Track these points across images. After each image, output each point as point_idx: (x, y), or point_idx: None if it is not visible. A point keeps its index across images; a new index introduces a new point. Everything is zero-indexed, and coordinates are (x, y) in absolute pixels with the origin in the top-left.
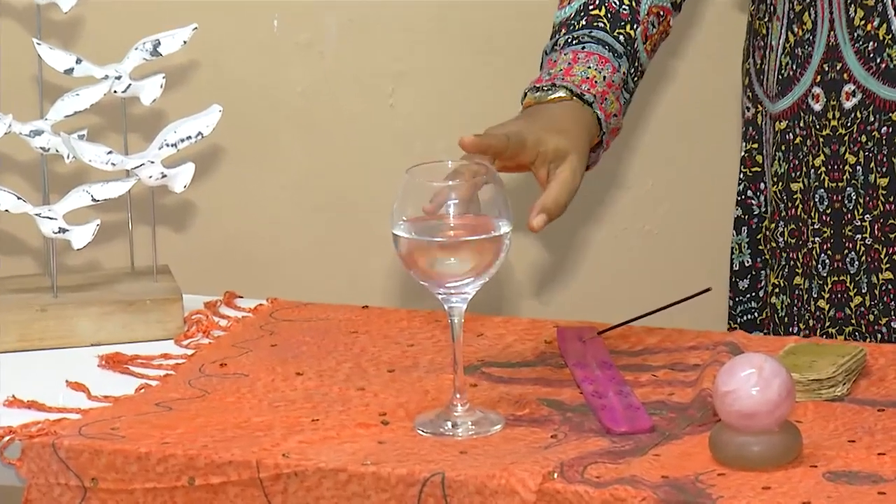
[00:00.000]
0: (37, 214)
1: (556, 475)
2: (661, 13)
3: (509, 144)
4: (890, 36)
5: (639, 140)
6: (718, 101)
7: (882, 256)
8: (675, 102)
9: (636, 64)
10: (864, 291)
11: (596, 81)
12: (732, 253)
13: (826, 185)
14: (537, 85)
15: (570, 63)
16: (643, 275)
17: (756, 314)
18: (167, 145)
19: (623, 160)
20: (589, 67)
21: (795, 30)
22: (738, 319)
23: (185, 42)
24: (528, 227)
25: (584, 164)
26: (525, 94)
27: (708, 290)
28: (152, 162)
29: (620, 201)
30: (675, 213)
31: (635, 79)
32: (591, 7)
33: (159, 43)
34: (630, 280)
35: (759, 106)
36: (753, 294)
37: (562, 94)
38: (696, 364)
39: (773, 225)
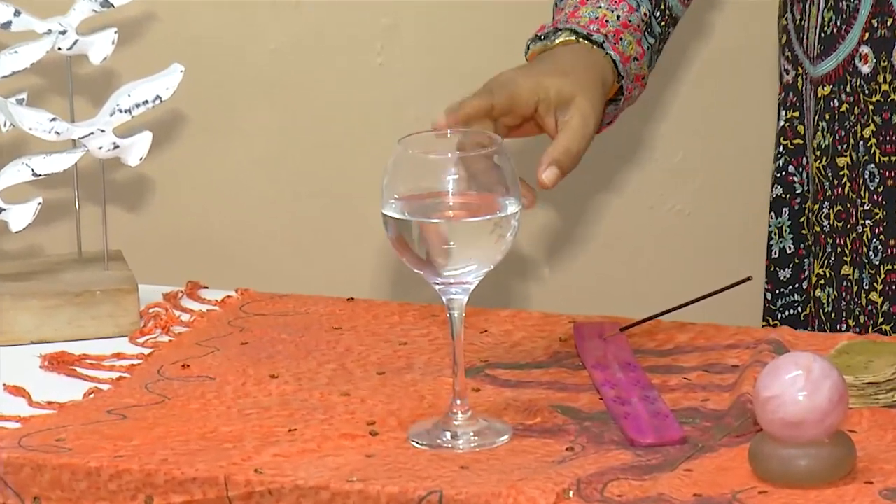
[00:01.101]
0: None
1: (571, 493)
2: None
3: (494, 101)
4: None
5: (667, 105)
6: (760, 60)
7: None
8: (710, 61)
9: (662, 6)
10: None
11: (607, 20)
12: (770, 238)
13: (877, 159)
14: (539, 33)
15: (576, 6)
16: (673, 261)
17: (800, 308)
18: (120, 111)
19: (648, 128)
20: (599, 7)
21: None
22: (779, 315)
23: None
24: (538, 185)
25: (598, 108)
26: (528, 48)
27: (748, 279)
28: (103, 130)
29: (645, 176)
30: (709, 190)
31: (662, 23)
32: None
33: None
34: (658, 267)
35: (799, 68)
36: (797, 286)
37: (567, 36)
38: (735, 365)
39: (816, 206)
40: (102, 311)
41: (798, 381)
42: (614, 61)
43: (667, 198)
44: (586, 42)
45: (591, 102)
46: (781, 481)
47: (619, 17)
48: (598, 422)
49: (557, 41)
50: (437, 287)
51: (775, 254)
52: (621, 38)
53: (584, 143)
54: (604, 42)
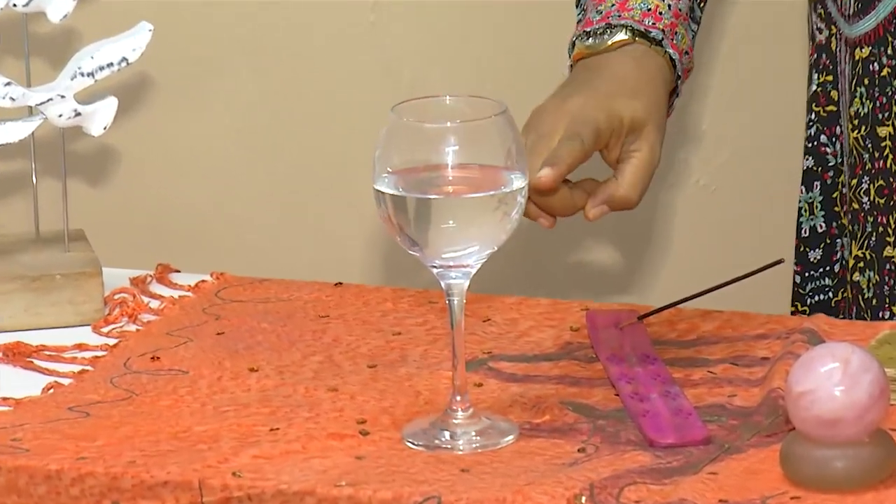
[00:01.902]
0: None
1: (584, 499)
2: None
3: (586, 146)
4: None
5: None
6: (795, 15)
7: None
8: (738, 16)
9: None
10: None
11: (661, 12)
12: (800, 215)
13: None
14: (587, 29)
15: None
16: (697, 242)
17: (831, 293)
18: (82, 75)
19: None
20: None
21: None
22: (808, 300)
23: None
24: (584, 217)
25: (664, 131)
26: (573, 44)
27: (780, 261)
28: (63, 96)
29: (666, 148)
30: (738, 163)
31: (701, 4)
32: None
33: None
34: (680, 249)
35: (832, 27)
36: (828, 268)
37: (621, 35)
38: (765, 357)
39: (854, 181)
40: (62, 296)
41: (834, 375)
42: (673, 60)
43: (690, 172)
44: (643, 41)
45: (659, 131)
46: (816, 485)
47: (670, 6)
48: (614, 420)
49: (611, 41)
50: (434, 271)
51: (805, 232)
52: (676, 32)
53: (647, 185)
54: (662, 39)
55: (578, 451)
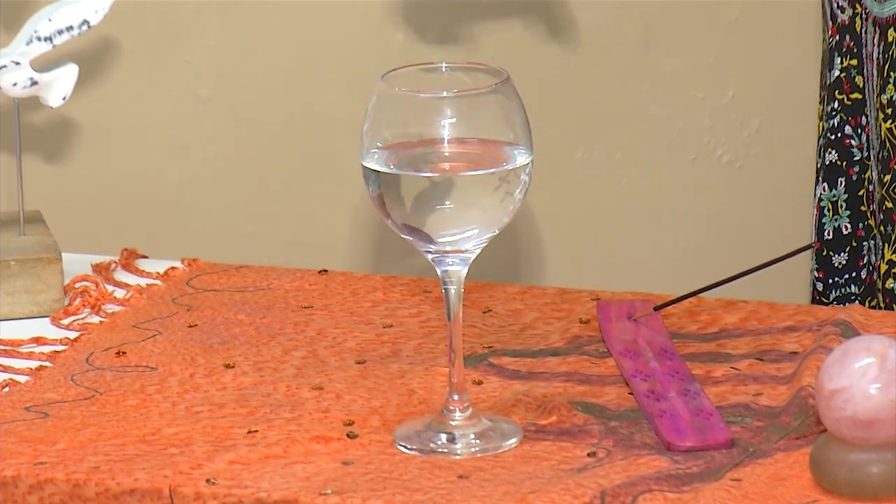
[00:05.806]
0: None
1: None
2: None
3: None
4: None
5: (714, 28)
6: None
7: None
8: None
9: None
10: None
11: None
12: (823, 215)
13: None
14: None
15: None
16: (719, 225)
17: (857, 301)
18: (39, 39)
19: (690, 55)
20: None
21: None
22: None
23: None
24: None
25: None
26: None
27: (811, 246)
28: (17, 63)
29: (686, 119)
30: (766, 137)
31: None
32: None
33: None
34: (701, 232)
35: (857, 6)
36: (853, 274)
37: None
38: (794, 352)
39: (887, 177)
40: (18, 285)
41: (870, 371)
42: None
43: (713, 147)
44: None
45: None
46: (849, 492)
47: None
48: (627, 421)
49: None
50: (429, 256)
51: (829, 234)
52: None
53: None
54: None
55: (588, 455)
